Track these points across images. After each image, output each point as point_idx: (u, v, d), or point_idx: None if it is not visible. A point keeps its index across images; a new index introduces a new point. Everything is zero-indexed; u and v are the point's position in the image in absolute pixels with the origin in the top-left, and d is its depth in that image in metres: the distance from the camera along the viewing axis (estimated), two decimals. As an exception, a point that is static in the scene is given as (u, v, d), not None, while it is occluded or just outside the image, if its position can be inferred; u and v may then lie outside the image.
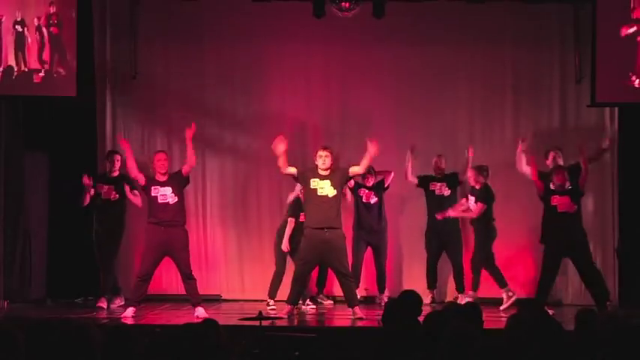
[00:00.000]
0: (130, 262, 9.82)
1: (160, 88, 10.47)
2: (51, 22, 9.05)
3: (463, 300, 9.21)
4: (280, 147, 8.46)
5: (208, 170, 10.46)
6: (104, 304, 9.23)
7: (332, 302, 9.91)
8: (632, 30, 9.03)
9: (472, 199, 9.62)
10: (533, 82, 10.34)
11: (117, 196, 9.45)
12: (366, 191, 9.76)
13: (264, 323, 6.86)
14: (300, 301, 9.19)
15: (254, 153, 10.45)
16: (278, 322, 8.12)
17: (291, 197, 9.42)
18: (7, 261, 9.63)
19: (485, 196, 9.54)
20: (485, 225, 9.56)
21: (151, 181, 8.66)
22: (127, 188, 9.41)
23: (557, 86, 10.33)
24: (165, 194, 8.62)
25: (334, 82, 10.49)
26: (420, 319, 5.04)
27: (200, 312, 8.47)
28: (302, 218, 9.09)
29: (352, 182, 9.54)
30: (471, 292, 9.60)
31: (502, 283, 9.46)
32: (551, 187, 8.81)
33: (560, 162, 9.30)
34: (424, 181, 9.92)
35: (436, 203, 9.81)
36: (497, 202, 9.97)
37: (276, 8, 9.91)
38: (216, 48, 10.43)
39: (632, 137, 10.02)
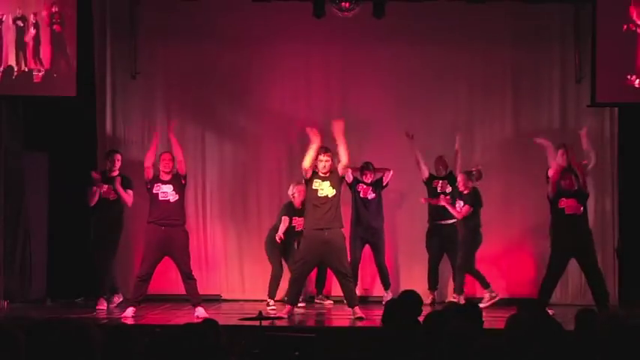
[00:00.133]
0: (129, 263, 9.82)
1: (160, 88, 10.48)
2: (54, 20, 9.05)
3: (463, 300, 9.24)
4: (316, 140, 8.52)
5: (208, 170, 10.46)
6: (104, 306, 9.22)
7: (332, 302, 9.91)
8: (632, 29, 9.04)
9: (460, 203, 9.59)
10: (533, 82, 10.35)
11: (116, 195, 9.45)
12: (364, 187, 9.76)
13: (264, 323, 6.86)
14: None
15: (255, 153, 10.45)
16: (278, 322, 8.12)
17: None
18: (7, 261, 9.63)
19: (473, 200, 9.53)
20: (472, 231, 9.55)
21: (155, 179, 8.70)
22: (118, 186, 9.35)
23: (557, 86, 10.33)
24: (167, 192, 8.65)
25: (334, 82, 10.49)
26: (420, 319, 5.04)
27: (200, 312, 8.47)
28: (294, 222, 9.27)
29: (351, 177, 9.54)
30: (457, 297, 9.54)
31: (485, 284, 9.51)
32: (559, 190, 8.78)
33: (568, 160, 9.24)
34: (429, 181, 9.92)
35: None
36: (498, 203, 10.00)
37: (276, 8, 9.91)
38: (216, 48, 10.42)
39: (632, 137, 10.02)
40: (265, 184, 10.45)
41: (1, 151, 9.65)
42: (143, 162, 8.96)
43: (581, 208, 8.74)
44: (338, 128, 8.53)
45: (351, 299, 8.57)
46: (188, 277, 8.64)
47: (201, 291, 8.92)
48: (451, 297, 9.76)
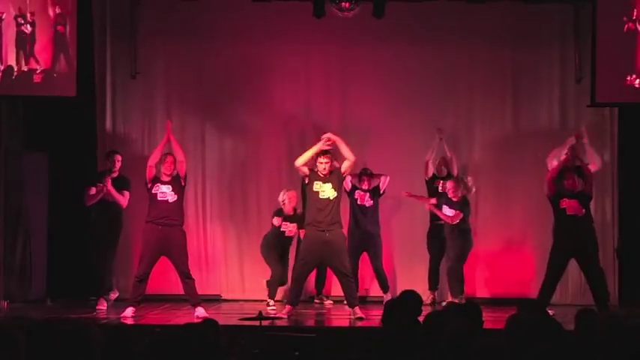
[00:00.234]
0: (129, 263, 9.81)
1: (160, 87, 10.48)
2: (58, 21, 9.05)
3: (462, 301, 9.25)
4: (324, 146, 8.51)
5: (208, 170, 10.46)
6: (104, 306, 9.22)
7: (331, 302, 9.91)
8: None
9: (446, 208, 9.58)
10: (533, 82, 10.35)
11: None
12: (362, 193, 9.77)
13: (264, 323, 6.86)
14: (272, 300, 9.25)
15: (255, 153, 10.46)
16: (278, 322, 8.12)
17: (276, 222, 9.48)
18: (7, 261, 9.63)
19: (462, 206, 9.53)
20: (463, 236, 9.57)
21: (155, 179, 8.69)
22: (110, 187, 9.33)
23: (557, 86, 10.33)
24: (165, 192, 8.65)
25: (334, 82, 10.49)
26: (420, 319, 5.04)
27: (200, 312, 8.47)
28: (284, 227, 9.37)
29: (349, 185, 9.56)
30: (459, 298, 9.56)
31: (461, 290, 9.53)
32: (561, 190, 8.76)
33: (572, 160, 9.23)
34: (431, 180, 9.92)
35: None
36: (498, 203, 10.01)
37: (276, 8, 9.92)
38: (216, 48, 10.43)
39: (632, 137, 10.02)
40: (265, 184, 10.45)
41: (1, 151, 9.64)
42: (143, 161, 8.97)
43: (583, 210, 8.70)
44: (333, 136, 8.54)
45: (351, 299, 8.58)
46: (186, 277, 8.63)
47: (201, 291, 8.92)
48: (450, 297, 9.77)
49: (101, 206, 9.44)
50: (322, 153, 8.55)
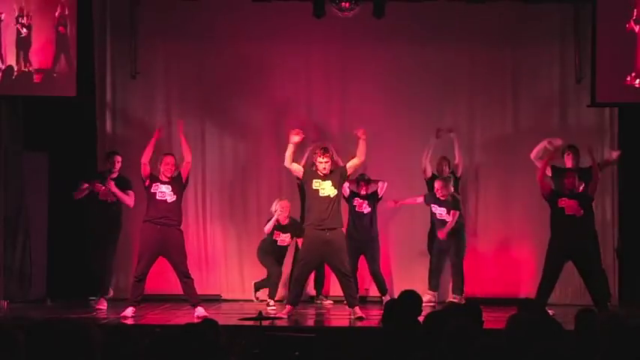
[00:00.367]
0: (128, 263, 9.80)
1: (160, 87, 10.47)
2: (59, 22, 9.05)
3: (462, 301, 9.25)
4: (295, 138, 8.56)
5: (208, 170, 10.46)
6: (104, 306, 9.22)
7: (331, 302, 9.91)
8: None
9: (441, 209, 9.58)
10: (533, 82, 10.34)
11: (115, 198, 9.43)
12: (360, 200, 9.77)
13: (264, 323, 6.86)
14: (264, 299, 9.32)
15: (254, 153, 10.46)
16: (278, 322, 8.12)
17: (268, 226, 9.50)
18: (7, 261, 9.63)
19: (456, 203, 9.54)
20: (459, 234, 9.62)
21: (154, 178, 8.66)
22: (114, 188, 9.32)
23: (557, 86, 10.33)
24: (165, 192, 8.63)
25: (334, 82, 10.49)
26: (420, 319, 5.04)
27: (200, 312, 8.47)
28: (276, 237, 9.47)
29: (347, 191, 9.56)
30: (458, 297, 9.56)
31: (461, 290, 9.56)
32: (561, 189, 8.75)
33: (573, 163, 9.25)
34: (431, 180, 9.91)
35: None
36: (498, 202, 10.02)
37: (276, 8, 9.92)
38: (216, 48, 10.43)
39: (632, 137, 10.02)
40: (265, 184, 10.45)
41: (1, 151, 9.65)
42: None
43: (582, 211, 8.68)
44: (361, 135, 8.57)
45: (351, 299, 8.57)
46: (185, 277, 8.62)
47: (201, 291, 8.92)
48: (451, 297, 9.77)
49: (100, 206, 9.44)
50: (322, 152, 8.54)
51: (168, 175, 8.65)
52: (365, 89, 10.37)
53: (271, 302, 9.23)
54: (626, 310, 8.91)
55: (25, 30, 9.06)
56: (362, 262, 9.84)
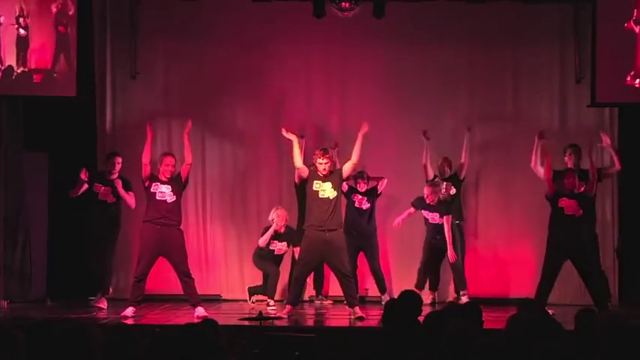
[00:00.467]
0: (128, 263, 9.80)
1: (160, 87, 10.47)
2: (59, 21, 9.05)
3: (464, 299, 9.26)
4: (290, 136, 8.64)
5: (208, 170, 10.46)
6: (104, 305, 9.23)
7: (331, 302, 9.91)
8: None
9: (433, 214, 9.58)
10: (533, 82, 10.34)
11: (114, 199, 9.43)
12: (359, 197, 9.77)
13: (264, 323, 6.86)
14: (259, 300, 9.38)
15: (254, 153, 10.46)
16: (278, 322, 8.11)
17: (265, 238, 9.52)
18: (7, 261, 9.63)
19: (447, 207, 9.54)
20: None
21: (154, 178, 8.66)
22: (120, 189, 9.33)
23: (557, 86, 10.33)
24: (164, 192, 8.63)
25: (334, 82, 10.49)
26: (420, 319, 5.04)
27: (200, 312, 8.46)
28: (273, 246, 9.48)
29: (345, 187, 9.56)
30: (463, 293, 9.56)
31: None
32: (561, 189, 8.75)
33: (574, 163, 9.24)
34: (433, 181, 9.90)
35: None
36: (498, 202, 10.00)
37: (276, 8, 9.92)
38: (217, 48, 10.42)
39: (632, 137, 10.02)
40: (265, 184, 10.45)
41: (1, 151, 9.65)
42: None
43: (581, 211, 8.68)
44: (364, 130, 8.57)
45: (351, 299, 8.57)
46: (186, 276, 8.61)
47: (201, 291, 8.92)
48: (452, 296, 9.78)
49: (100, 206, 9.44)
50: (322, 153, 8.55)
51: (168, 176, 8.65)
52: (365, 89, 10.37)
53: (271, 302, 9.24)
54: (626, 310, 8.91)
55: (24, 30, 9.06)
56: (362, 261, 9.84)
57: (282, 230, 9.49)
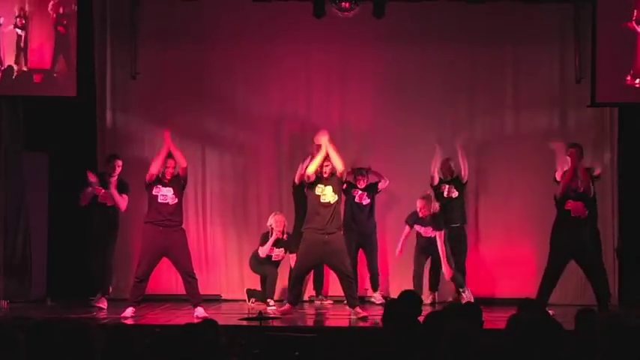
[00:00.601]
0: (127, 263, 9.79)
1: (160, 88, 10.47)
2: (59, 22, 9.04)
3: (464, 299, 9.26)
4: (325, 143, 8.54)
5: (208, 170, 10.46)
6: (104, 304, 9.23)
7: (331, 302, 9.91)
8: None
9: (425, 228, 9.58)
10: (533, 82, 10.34)
11: (113, 202, 9.42)
12: (359, 192, 9.78)
13: (264, 323, 6.86)
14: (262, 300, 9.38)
15: (254, 153, 10.46)
16: (277, 322, 8.11)
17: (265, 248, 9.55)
18: (7, 261, 9.63)
19: (439, 221, 9.53)
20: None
21: (155, 180, 8.66)
22: (113, 190, 9.32)
23: (557, 86, 10.33)
24: (166, 195, 8.63)
25: (334, 82, 10.49)
26: (420, 319, 5.04)
27: (200, 312, 8.46)
28: (270, 252, 9.50)
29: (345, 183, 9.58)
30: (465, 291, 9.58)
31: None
32: (567, 190, 8.71)
33: (576, 162, 9.20)
34: (438, 185, 9.87)
35: (444, 205, 9.78)
36: (498, 203, 10.00)
37: (276, 8, 9.92)
38: (217, 48, 10.43)
39: (632, 137, 10.02)
40: (265, 184, 10.45)
41: (1, 151, 9.65)
42: (143, 162, 8.97)
43: (587, 212, 8.67)
44: (324, 140, 8.55)
45: (352, 299, 8.58)
46: (189, 276, 8.61)
47: (201, 291, 8.90)
48: (452, 296, 9.78)
49: (99, 208, 9.43)
50: (325, 157, 8.57)
51: (169, 177, 8.65)
52: (365, 89, 10.38)
53: (271, 302, 9.24)
54: (626, 310, 8.91)
55: (24, 30, 9.06)
56: (361, 261, 9.84)
57: (281, 236, 9.50)
